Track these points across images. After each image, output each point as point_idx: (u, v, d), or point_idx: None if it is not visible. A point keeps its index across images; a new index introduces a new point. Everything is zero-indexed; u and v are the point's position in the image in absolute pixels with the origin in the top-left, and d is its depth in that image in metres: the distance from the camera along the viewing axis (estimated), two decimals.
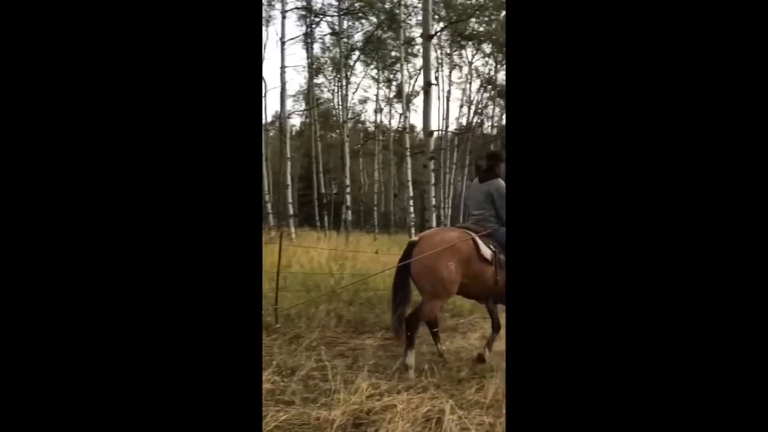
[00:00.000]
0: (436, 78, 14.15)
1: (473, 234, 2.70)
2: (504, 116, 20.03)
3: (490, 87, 17.90)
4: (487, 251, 2.66)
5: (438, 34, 13.51)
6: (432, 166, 4.96)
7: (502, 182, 2.85)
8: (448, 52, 16.97)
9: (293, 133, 19.09)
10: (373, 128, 20.36)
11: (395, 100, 18.01)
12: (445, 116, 17.25)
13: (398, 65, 11.97)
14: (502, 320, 2.91)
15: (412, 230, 11.13)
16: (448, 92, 17.19)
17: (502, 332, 2.90)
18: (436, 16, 13.78)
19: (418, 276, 2.62)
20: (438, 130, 16.24)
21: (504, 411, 2.13)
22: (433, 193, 5.06)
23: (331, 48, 16.96)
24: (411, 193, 10.26)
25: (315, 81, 16.60)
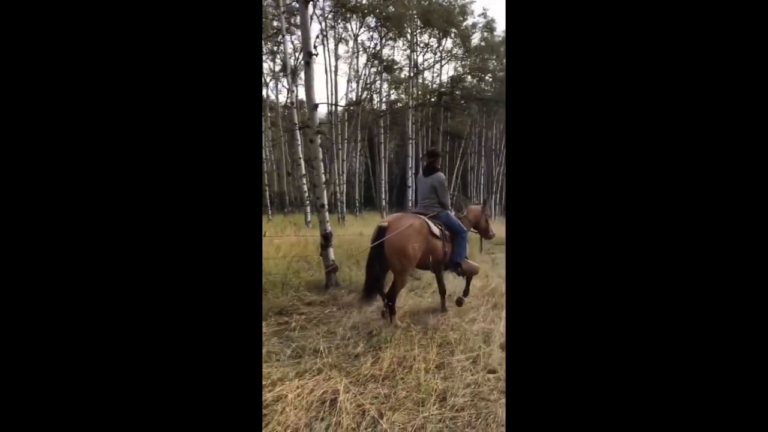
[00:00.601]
0: (316, 47, 13.69)
1: (424, 217, 3.41)
2: (392, 91, 20.38)
3: (376, 62, 17.95)
4: (436, 229, 3.39)
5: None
6: (319, 141, 4.77)
7: (442, 175, 3.67)
8: (333, 24, 16.51)
9: None
10: None
11: (281, 74, 17.11)
12: (333, 91, 16.90)
13: (281, 36, 11.27)
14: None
15: (308, 209, 10.88)
16: (335, 66, 16.79)
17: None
18: None
19: (391, 256, 3.17)
20: (328, 104, 15.92)
21: (399, 379, 2.17)
22: (323, 170, 4.89)
23: None
24: (304, 171, 9.93)
25: None
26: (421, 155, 18.79)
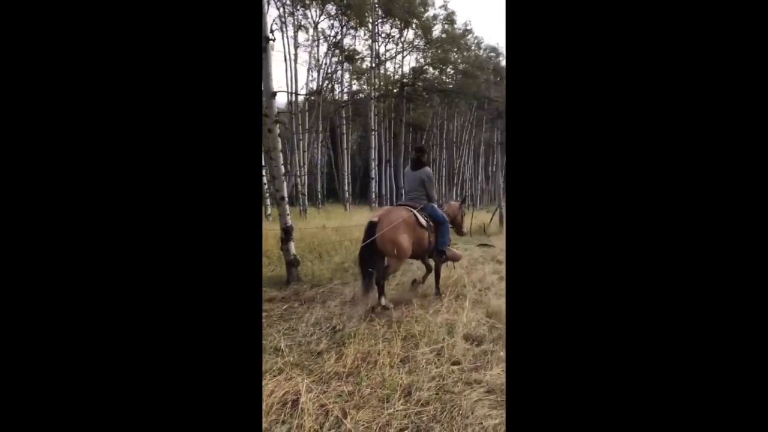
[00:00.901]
0: (273, 32, 13.23)
1: (412, 210, 3.65)
2: (354, 81, 20.14)
3: (337, 51, 17.63)
4: (423, 221, 3.65)
5: None
6: (278, 131, 4.59)
7: (429, 169, 3.95)
8: (291, 10, 16.00)
9: None
10: None
11: None
12: (293, 79, 16.43)
13: None
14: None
15: (268, 202, 10.59)
16: (295, 54, 16.28)
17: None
18: None
19: (384, 247, 3.37)
20: (287, 93, 15.49)
21: (363, 375, 2.13)
22: (282, 160, 4.73)
23: None
24: (263, 162, 9.62)
25: None
26: (383, 147, 18.80)
